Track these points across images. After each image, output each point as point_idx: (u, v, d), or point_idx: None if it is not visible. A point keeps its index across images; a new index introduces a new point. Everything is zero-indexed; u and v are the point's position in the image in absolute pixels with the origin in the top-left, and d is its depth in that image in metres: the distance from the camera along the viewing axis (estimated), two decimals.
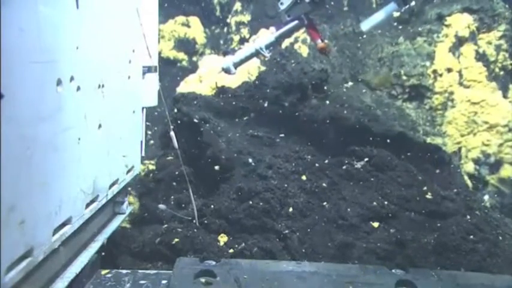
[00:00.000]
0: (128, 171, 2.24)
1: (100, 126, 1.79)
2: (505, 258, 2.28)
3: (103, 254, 2.04)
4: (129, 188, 2.64)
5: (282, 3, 2.51)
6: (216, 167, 2.59)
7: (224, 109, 2.99)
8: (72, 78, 1.51)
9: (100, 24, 1.75)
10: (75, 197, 1.61)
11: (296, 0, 2.45)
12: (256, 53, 2.66)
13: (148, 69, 2.35)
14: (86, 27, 1.62)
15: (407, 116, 3.29)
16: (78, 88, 1.56)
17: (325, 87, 3.15)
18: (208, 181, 2.69)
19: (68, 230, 1.57)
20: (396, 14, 2.66)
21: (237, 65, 2.69)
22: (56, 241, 1.48)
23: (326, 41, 3.48)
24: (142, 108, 2.37)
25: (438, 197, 2.52)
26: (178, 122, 2.82)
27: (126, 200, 2.30)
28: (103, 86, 1.79)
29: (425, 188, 2.55)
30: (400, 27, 3.51)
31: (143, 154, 2.43)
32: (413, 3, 2.36)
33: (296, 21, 2.55)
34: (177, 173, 2.64)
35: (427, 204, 2.48)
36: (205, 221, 2.36)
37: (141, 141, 2.39)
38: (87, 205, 1.75)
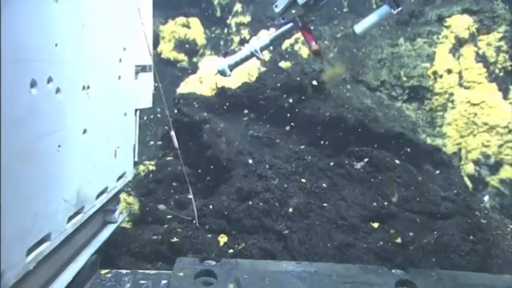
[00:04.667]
0: (119, 178, 2.11)
1: (85, 131, 1.67)
2: (505, 259, 2.28)
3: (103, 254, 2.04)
4: (129, 188, 2.64)
5: (276, 6, 2.53)
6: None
7: (224, 110, 2.99)
8: (50, 79, 1.37)
9: (84, 19, 1.61)
10: (55, 210, 1.47)
11: (290, 2, 2.47)
12: (251, 55, 2.67)
13: (142, 69, 2.23)
14: (67, 23, 1.48)
15: (407, 117, 3.29)
16: (58, 90, 1.43)
17: (325, 88, 3.15)
18: (208, 181, 2.69)
19: (45, 248, 1.42)
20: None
21: (232, 67, 2.70)
22: (30, 262, 1.32)
23: (326, 42, 3.52)
24: (136, 110, 2.26)
25: (438, 198, 2.52)
26: (179, 122, 2.82)
27: (118, 208, 2.18)
28: (88, 87, 1.66)
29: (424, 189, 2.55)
30: (400, 28, 3.52)
31: (136, 159, 2.32)
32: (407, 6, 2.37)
33: (290, 24, 2.57)
34: (177, 173, 2.64)
35: (427, 204, 2.48)
36: (205, 221, 2.37)
37: (134, 146, 2.28)
38: (70, 218, 1.61)
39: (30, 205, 1.30)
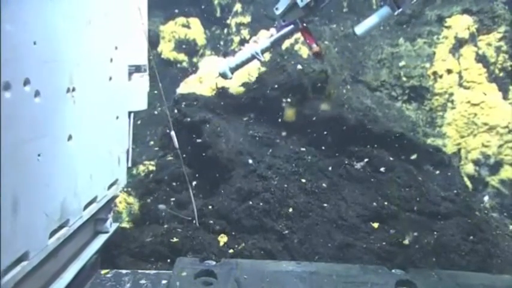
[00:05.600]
0: (111, 186, 1.99)
1: (70, 137, 1.54)
2: (505, 259, 2.28)
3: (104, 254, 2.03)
4: (129, 188, 2.64)
5: (277, 9, 2.55)
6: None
7: (224, 110, 2.99)
8: (27, 81, 1.24)
9: (68, 15, 1.47)
10: (34, 226, 1.34)
11: (291, 5, 2.48)
12: (252, 58, 2.68)
13: (136, 69, 2.12)
14: (48, 18, 1.35)
15: (407, 117, 3.29)
16: (37, 93, 1.30)
17: (325, 88, 3.15)
18: (208, 181, 2.69)
19: (23, 268, 1.29)
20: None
21: (233, 70, 2.71)
22: (6, 283, 1.22)
23: (326, 42, 3.52)
24: (129, 112, 2.14)
25: (438, 198, 2.51)
26: (179, 122, 2.82)
27: (110, 217, 2.06)
28: (73, 89, 1.53)
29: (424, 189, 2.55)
30: (400, 28, 3.52)
31: (130, 165, 2.20)
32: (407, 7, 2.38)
33: (291, 26, 2.58)
34: (177, 173, 2.63)
35: (427, 204, 2.48)
36: (205, 221, 2.37)
37: (128, 150, 2.15)
38: (53, 233, 1.47)
39: (4, 222, 1.16)
